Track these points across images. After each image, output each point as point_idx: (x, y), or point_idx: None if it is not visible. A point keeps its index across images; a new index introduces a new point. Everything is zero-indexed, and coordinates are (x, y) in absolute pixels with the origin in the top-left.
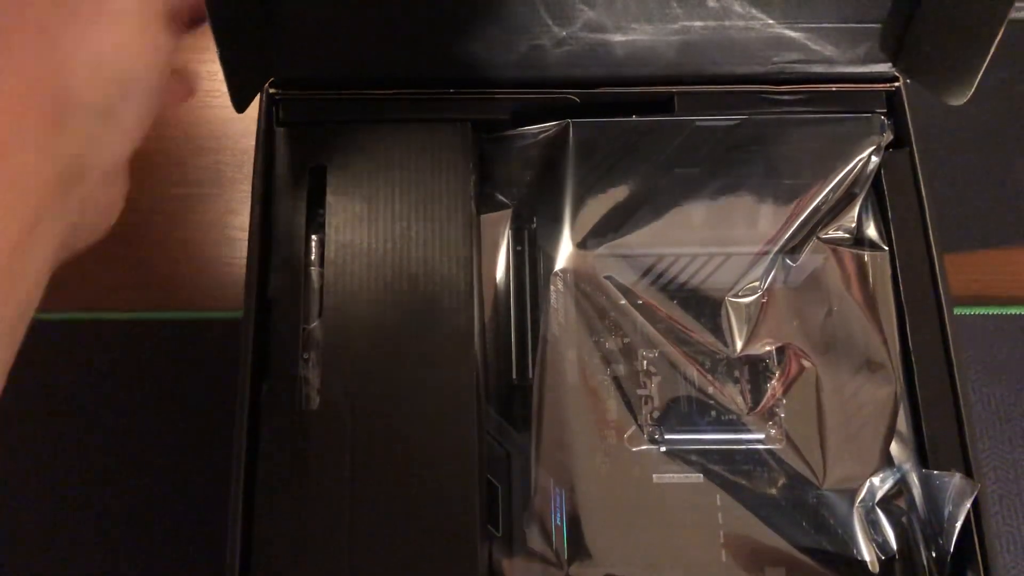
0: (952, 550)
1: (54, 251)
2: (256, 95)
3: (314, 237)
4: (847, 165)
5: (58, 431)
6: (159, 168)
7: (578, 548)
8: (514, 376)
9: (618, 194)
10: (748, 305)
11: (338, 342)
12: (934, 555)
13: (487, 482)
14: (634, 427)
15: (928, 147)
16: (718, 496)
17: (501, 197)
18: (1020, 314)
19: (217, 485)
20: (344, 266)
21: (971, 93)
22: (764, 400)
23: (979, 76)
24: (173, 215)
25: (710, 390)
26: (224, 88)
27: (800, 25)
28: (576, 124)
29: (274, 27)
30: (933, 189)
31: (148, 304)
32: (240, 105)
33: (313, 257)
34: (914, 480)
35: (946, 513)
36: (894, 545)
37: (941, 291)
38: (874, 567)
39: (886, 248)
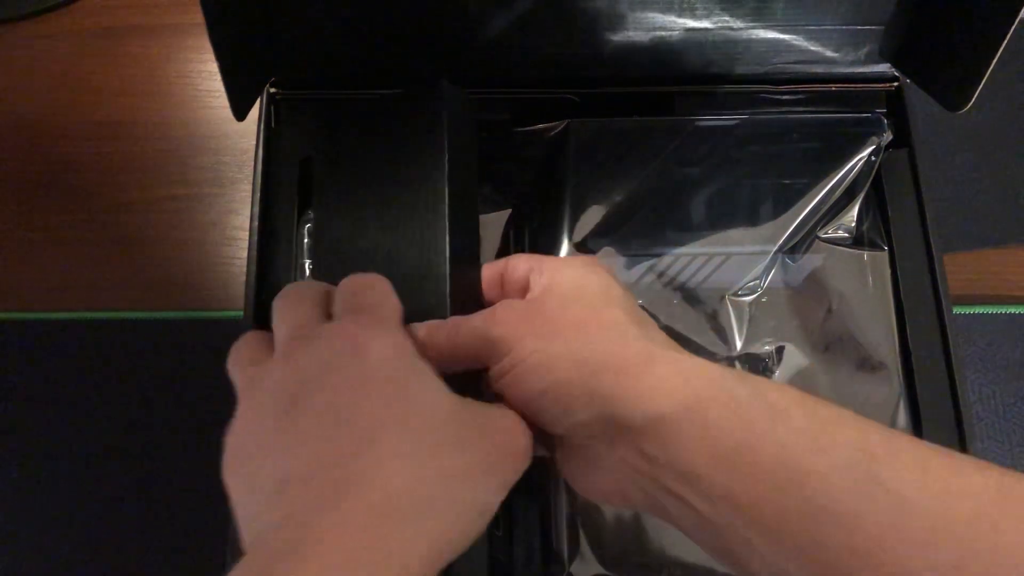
0: None
1: None
2: (255, 102)
3: (314, 237)
4: (847, 165)
5: (58, 430)
6: (159, 168)
7: (578, 548)
8: None
9: (618, 194)
10: (748, 305)
11: None
12: None
13: None
14: None
15: (928, 147)
16: None
17: (501, 197)
18: (1020, 313)
19: (217, 486)
20: (343, 266)
21: (972, 102)
22: None
23: (981, 85)
24: (173, 215)
25: None
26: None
27: (801, 28)
28: (576, 124)
29: (273, 28)
30: (933, 189)
31: (148, 304)
32: (239, 113)
33: (313, 257)
34: None
35: None
36: None
37: (940, 291)
38: None
39: (885, 248)
